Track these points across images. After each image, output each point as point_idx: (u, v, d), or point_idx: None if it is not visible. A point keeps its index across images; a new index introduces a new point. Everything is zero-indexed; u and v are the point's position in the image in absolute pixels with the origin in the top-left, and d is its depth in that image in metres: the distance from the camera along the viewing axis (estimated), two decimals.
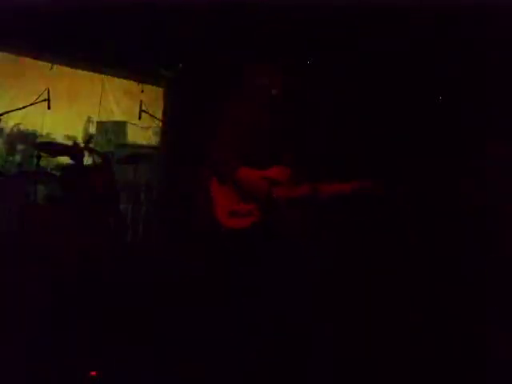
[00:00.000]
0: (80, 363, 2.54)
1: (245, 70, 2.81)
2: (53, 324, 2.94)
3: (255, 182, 2.52)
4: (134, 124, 6.21)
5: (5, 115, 4.93)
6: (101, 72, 6.48)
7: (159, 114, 6.35)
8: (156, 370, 2.50)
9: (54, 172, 5.36)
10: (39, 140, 5.85)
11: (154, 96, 6.55)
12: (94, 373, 2.47)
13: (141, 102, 5.61)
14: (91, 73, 6.42)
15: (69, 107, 6.25)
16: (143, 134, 6.73)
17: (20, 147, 5.97)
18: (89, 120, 6.63)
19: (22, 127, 6.00)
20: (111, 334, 2.86)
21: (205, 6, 4.38)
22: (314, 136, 2.88)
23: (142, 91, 6.56)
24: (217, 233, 2.51)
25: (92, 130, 6.63)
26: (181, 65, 5.62)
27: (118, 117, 6.78)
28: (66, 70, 6.15)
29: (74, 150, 5.26)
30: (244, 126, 2.59)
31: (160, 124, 6.40)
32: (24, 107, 4.86)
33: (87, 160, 5.38)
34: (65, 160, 5.48)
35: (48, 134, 6.13)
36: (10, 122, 5.90)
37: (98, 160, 5.39)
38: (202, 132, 2.77)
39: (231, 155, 2.53)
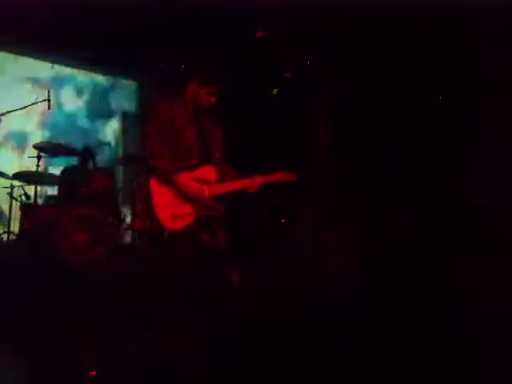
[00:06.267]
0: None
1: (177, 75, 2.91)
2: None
3: (187, 183, 2.65)
4: None
5: None
6: (100, 72, 6.50)
7: None
8: None
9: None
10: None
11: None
12: (93, 373, 2.49)
13: None
14: None
15: None
16: None
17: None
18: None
19: None
20: None
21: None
22: (235, 137, 3.02)
23: None
24: (160, 235, 2.60)
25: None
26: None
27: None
28: None
29: (74, 150, 5.27)
30: (172, 129, 2.71)
31: None
32: (24, 107, 4.86)
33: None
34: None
35: None
36: None
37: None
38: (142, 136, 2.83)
39: (166, 160, 2.64)
